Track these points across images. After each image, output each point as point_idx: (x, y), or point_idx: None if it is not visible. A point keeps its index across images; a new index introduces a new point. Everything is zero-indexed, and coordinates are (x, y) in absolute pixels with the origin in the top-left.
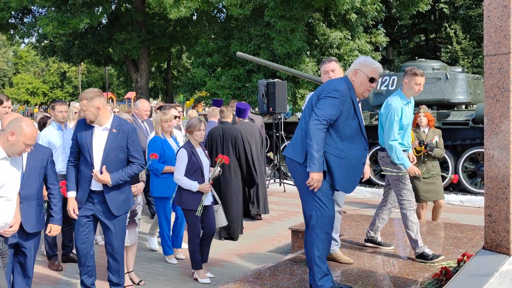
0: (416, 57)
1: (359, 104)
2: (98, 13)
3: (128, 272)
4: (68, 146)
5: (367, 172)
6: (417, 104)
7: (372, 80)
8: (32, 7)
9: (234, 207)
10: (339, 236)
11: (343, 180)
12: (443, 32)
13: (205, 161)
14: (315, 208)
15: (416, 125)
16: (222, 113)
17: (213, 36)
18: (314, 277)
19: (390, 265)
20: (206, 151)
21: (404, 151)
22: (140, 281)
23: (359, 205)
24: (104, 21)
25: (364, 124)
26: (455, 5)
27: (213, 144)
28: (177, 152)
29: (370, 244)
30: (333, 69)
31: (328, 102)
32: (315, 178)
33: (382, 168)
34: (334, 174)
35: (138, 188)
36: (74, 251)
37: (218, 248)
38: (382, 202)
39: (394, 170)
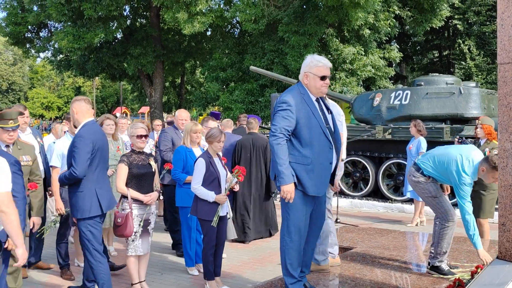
0: (430, 73)
1: (322, 104)
2: (113, 27)
3: (140, 282)
4: None
5: (336, 185)
6: (431, 119)
7: (323, 78)
8: (49, 22)
9: (270, 205)
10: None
11: (314, 185)
12: (457, 49)
13: (222, 171)
14: (285, 217)
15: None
16: (250, 124)
17: (227, 51)
18: (286, 285)
19: (403, 278)
20: (223, 161)
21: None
22: None
23: (372, 219)
24: (119, 36)
25: (332, 130)
26: (469, 21)
27: (243, 153)
28: (195, 162)
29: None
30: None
31: (279, 115)
32: (286, 190)
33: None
34: (303, 181)
35: (152, 197)
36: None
37: (230, 260)
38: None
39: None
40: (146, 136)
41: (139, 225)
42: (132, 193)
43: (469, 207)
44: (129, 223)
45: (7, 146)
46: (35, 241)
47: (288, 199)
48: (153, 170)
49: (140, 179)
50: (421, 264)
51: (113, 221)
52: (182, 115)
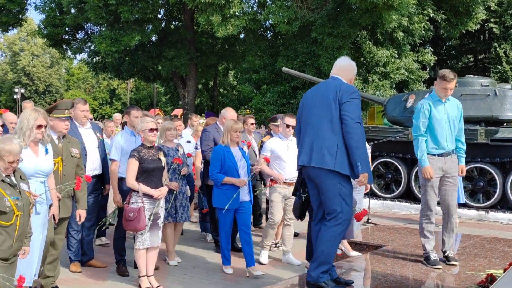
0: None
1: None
2: (149, 30)
3: (148, 276)
4: None
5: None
6: (465, 120)
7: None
8: (85, 24)
9: None
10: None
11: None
12: (493, 52)
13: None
14: (340, 204)
15: None
16: None
17: (259, 53)
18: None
19: (434, 275)
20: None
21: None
22: (159, 286)
23: (404, 221)
24: (154, 38)
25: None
26: (506, 24)
27: None
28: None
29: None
30: None
31: (355, 103)
32: (366, 176)
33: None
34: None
35: (161, 192)
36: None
37: None
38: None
39: None
40: (156, 129)
41: (149, 219)
42: (143, 187)
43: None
44: (142, 217)
45: (58, 137)
46: (85, 237)
47: (363, 184)
48: (163, 165)
49: (150, 174)
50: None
51: (124, 215)
52: (230, 114)
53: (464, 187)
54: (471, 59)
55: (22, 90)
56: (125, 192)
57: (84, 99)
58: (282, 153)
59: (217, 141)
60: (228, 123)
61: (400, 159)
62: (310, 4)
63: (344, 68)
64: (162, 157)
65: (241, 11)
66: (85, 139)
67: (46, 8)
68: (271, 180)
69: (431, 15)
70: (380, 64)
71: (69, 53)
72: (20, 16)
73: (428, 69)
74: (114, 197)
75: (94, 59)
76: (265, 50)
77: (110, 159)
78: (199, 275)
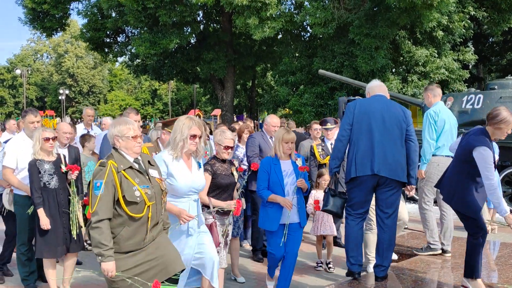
0: (510, 75)
1: None
2: (187, 33)
3: None
4: None
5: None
6: None
7: None
8: (126, 27)
9: None
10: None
11: None
12: None
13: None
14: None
15: None
16: None
17: (296, 55)
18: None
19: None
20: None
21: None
22: None
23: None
24: (192, 41)
25: None
26: None
27: None
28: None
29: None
30: None
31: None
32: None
33: None
34: None
35: (231, 204)
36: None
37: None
38: None
39: None
40: (232, 147)
41: (222, 235)
42: (214, 202)
43: None
44: (215, 233)
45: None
46: None
47: None
48: (236, 180)
49: (223, 189)
50: (488, 272)
51: None
52: (273, 122)
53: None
54: None
55: (67, 91)
56: None
57: (136, 109)
58: None
59: (262, 148)
60: (278, 133)
61: None
62: (347, 4)
63: (385, 89)
64: (234, 172)
65: (278, 12)
66: None
67: (88, 13)
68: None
69: (472, 13)
70: (420, 63)
71: (111, 56)
72: (64, 21)
73: (470, 67)
74: None
75: (135, 62)
76: (302, 51)
77: None
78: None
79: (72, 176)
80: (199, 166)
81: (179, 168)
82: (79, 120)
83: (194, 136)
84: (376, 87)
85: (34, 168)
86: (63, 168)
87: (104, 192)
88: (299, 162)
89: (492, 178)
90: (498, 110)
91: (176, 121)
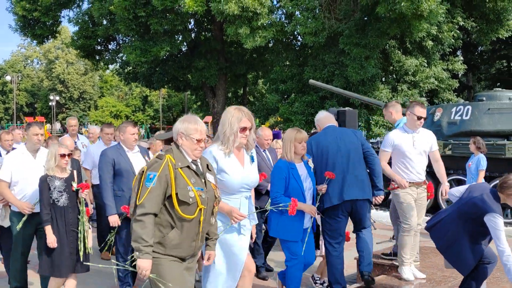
0: (498, 84)
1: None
2: (178, 41)
3: None
4: None
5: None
6: (493, 135)
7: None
8: (117, 35)
9: None
10: None
11: None
12: None
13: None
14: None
15: None
16: None
17: (287, 63)
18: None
19: None
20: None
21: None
22: None
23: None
24: (184, 49)
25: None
26: None
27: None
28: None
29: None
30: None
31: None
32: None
33: None
34: None
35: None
36: None
37: None
38: None
39: None
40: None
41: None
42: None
43: None
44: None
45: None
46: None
47: None
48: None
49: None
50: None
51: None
52: (266, 134)
53: None
54: (505, 65)
55: (57, 98)
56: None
57: (134, 122)
58: (408, 148)
59: (258, 163)
60: (290, 134)
61: (428, 173)
62: (337, 14)
63: (331, 118)
64: None
65: (269, 22)
66: (135, 165)
67: (79, 20)
68: (392, 182)
69: (461, 23)
70: (409, 73)
71: (101, 63)
72: (54, 28)
73: (459, 76)
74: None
75: (126, 69)
76: (293, 60)
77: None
78: None
79: (82, 195)
80: (252, 160)
81: (230, 163)
82: (64, 133)
83: (244, 129)
84: (324, 119)
85: (44, 184)
86: (74, 186)
87: (155, 185)
88: (311, 164)
89: (504, 243)
90: (511, 180)
91: (224, 112)
